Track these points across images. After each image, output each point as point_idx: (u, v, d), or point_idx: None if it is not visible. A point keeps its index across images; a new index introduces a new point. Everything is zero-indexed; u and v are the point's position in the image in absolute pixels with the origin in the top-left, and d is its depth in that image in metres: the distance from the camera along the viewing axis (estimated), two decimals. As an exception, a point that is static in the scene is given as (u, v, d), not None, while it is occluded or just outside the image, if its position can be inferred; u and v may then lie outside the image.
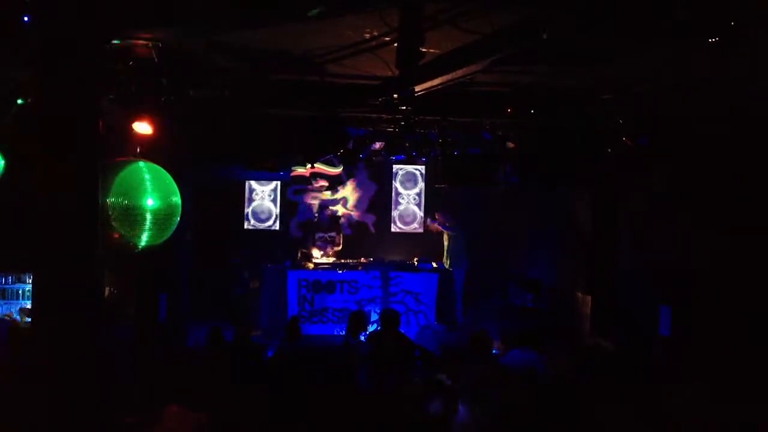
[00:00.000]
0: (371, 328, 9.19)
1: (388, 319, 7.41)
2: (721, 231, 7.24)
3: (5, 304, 8.40)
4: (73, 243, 3.90)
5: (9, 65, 6.06)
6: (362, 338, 7.45)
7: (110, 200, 5.79)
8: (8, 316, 8.24)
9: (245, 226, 12.49)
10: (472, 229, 11.87)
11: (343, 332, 10.25)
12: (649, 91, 7.32)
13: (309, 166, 11.92)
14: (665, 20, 4.50)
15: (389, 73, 6.38)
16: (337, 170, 12.55)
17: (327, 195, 12.67)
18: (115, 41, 5.57)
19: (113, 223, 5.80)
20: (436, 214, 11.87)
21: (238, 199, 12.44)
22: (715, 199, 7.35)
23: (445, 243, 11.71)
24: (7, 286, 8.71)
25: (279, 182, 12.48)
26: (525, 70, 6.57)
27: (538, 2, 4.61)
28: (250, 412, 5.40)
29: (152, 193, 6.15)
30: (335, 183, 12.66)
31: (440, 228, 11.65)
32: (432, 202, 12.66)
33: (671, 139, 8.00)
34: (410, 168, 13.00)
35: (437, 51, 5.66)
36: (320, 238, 11.83)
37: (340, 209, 12.68)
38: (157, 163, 6.45)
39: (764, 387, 6.24)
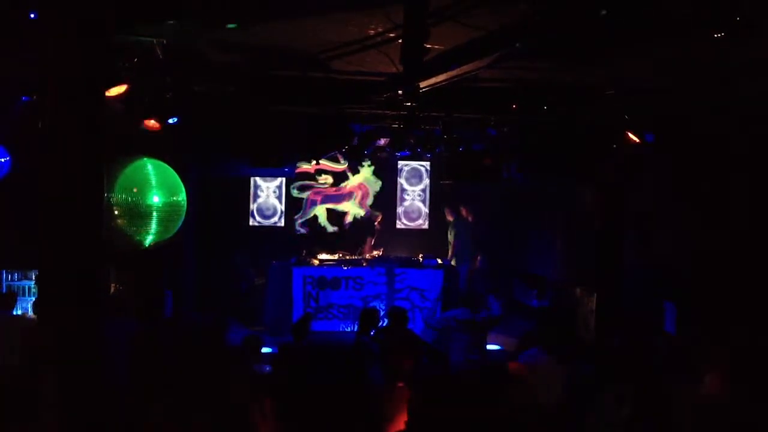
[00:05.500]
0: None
1: (397, 316, 7.42)
2: (726, 228, 7.22)
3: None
4: (77, 240, 3.91)
5: (14, 62, 6.08)
6: (371, 334, 7.43)
7: (115, 197, 5.81)
8: None
9: (250, 223, 12.49)
10: (476, 225, 11.88)
11: (349, 328, 10.31)
12: (654, 87, 7.31)
13: (314, 162, 11.92)
14: (669, 16, 4.49)
15: (394, 70, 6.38)
16: (341, 166, 12.55)
17: (331, 191, 12.67)
18: (120, 38, 5.58)
19: (118, 220, 5.82)
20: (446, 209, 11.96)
21: (244, 195, 12.44)
22: (720, 196, 7.33)
23: (449, 237, 11.77)
24: (13, 283, 8.74)
25: (284, 179, 12.47)
26: (530, 66, 6.56)
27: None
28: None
29: (157, 190, 6.17)
30: (340, 179, 12.66)
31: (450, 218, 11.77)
32: (439, 198, 12.66)
33: (676, 136, 7.97)
34: (415, 164, 12.99)
35: (442, 47, 5.65)
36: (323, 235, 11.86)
37: (344, 205, 12.68)
38: (162, 160, 6.47)
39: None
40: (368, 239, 11.79)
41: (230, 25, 5.13)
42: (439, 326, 7.63)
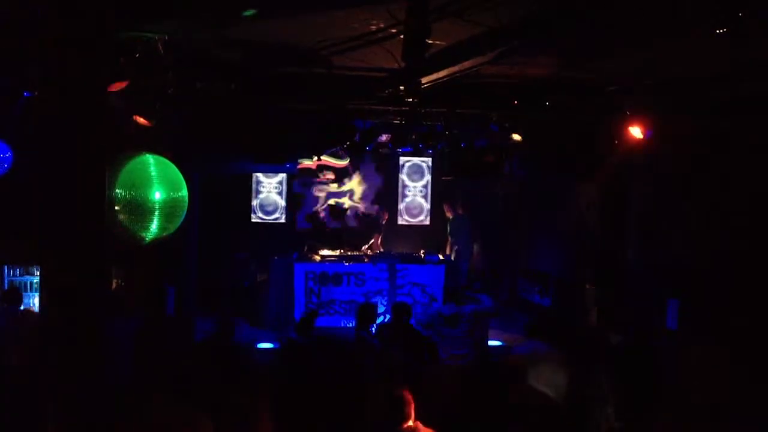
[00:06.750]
0: (379, 320, 9.20)
1: (400, 312, 7.43)
2: (729, 224, 7.21)
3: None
4: (78, 235, 3.91)
5: (16, 59, 6.08)
6: (372, 330, 7.43)
7: (117, 193, 5.80)
8: None
9: (252, 219, 12.50)
10: (478, 222, 11.88)
11: (351, 324, 10.31)
12: (656, 84, 7.30)
13: (315, 158, 11.92)
14: (672, 12, 4.48)
15: (396, 66, 6.37)
16: (343, 163, 12.55)
17: (333, 187, 12.68)
18: (122, 34, 5.58)
19: (119, 216, 5.81)
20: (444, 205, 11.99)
21: (245, 191, 12.45)
22: (722, 194, 7.31)
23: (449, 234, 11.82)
24: (16, 278, 8.75)
25: (285, 175, 12.47)
26: (531, 62, 6.55)
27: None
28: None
29: (159, 185, 6.15)
30: (342, 175, 12.67)
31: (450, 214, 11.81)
32: (441, 194, 12.67)
33: (678, 133, 7.96)
34: (417, 160, 12.99)
35: (443, 43, 5.64)
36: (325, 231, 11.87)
37: (346, 202, 12.69)
38: (164, 156, 6.46)
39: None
40: (376, 235, 11.83)
41: (247, 12, 5.06)
42: (427, 323, 7.62)
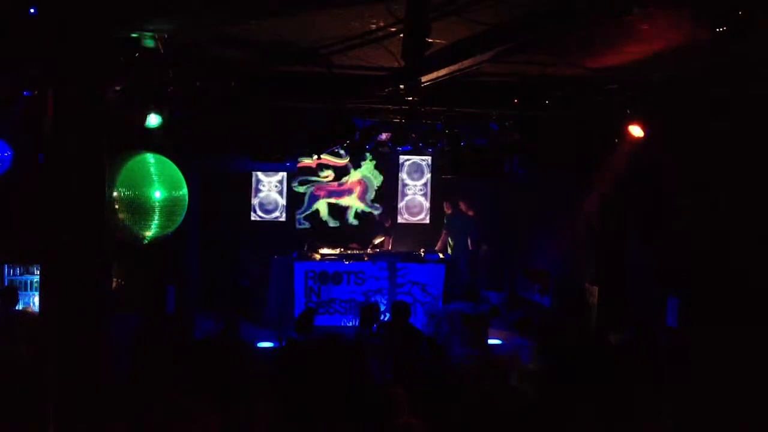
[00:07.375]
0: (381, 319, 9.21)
1: (399, 311, 7.44)
2: (729, 222, 7.21)
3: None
4: (79, 234, 3.91)
5: (16, 58, 6.07)
6: (373, 329, 7.45)
7: (117, 192, 5.80)
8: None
9: (252, 218, 12.49)
10: (478, 220, 11.88)
11: (351, 323, 10.31)
12: (656, 82, 7.29)
13: (315, 157, 11.92)
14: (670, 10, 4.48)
15: (395, 64, 6.37)
16: (343, 161, 12.55)
17: (333, 186, 12.68)
18: (121, 33, 5.57)
19: (120, 215, 5.81)
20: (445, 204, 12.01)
21: (245, 190, 12.44)
22: (722, 192, 7.31)
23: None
24: (16, 278, 8.74)
25: (285, 173, 12.47)
26: (532, 60, 6.54)
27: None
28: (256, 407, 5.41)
29: (159, 184, 6.16)
30: (342, 174, 12.67)
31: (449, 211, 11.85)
32: (441, 193, 12.67)
33: (679, 131, 7.95)
34: (417, 159, 12.99)
35: (443, 41, 5.64)
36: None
37: (345, 200, 12.69)
38: (164, 155, 6.46)
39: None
40: (386, 238, 11.87)
41: None
42: (445, 318, 7.66)
